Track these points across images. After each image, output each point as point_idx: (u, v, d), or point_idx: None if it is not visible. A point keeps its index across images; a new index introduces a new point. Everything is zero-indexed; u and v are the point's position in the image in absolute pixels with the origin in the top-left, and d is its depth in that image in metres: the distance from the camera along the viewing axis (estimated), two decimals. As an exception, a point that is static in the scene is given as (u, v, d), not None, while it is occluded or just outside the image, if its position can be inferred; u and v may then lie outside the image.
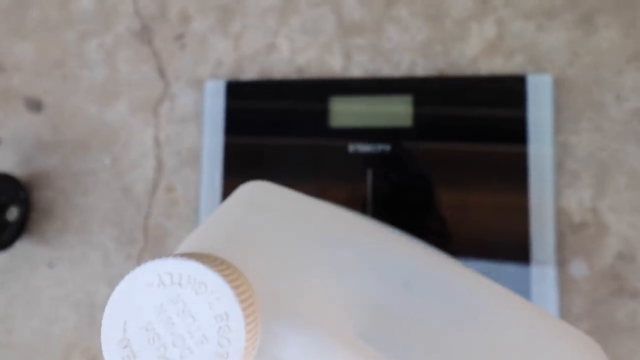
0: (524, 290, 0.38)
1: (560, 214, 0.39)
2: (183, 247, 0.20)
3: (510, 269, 0.38)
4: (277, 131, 0.42)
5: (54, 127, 0.47)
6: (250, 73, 0.44)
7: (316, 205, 0.22)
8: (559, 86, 0.40)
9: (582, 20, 0.41)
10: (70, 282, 0.46)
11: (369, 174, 0.41)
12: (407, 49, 0.43)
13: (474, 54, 0.42)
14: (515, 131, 0.39)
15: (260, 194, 0.22)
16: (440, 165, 0.40)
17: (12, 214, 0.45)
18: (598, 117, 0.40)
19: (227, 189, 0.42)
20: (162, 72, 0.46)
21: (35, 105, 0.47)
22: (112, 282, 0.45)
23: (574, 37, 0.41)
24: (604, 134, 0.40)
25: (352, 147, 0.41)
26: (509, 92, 0.40)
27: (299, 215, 0.21)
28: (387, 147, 0.41)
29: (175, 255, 0.16)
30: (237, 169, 0.42)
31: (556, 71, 0.40)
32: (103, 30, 0.47)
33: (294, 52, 0.44)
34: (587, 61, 0.40)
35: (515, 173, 0.39)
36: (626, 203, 0.39)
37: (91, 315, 0.45)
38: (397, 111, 0.41)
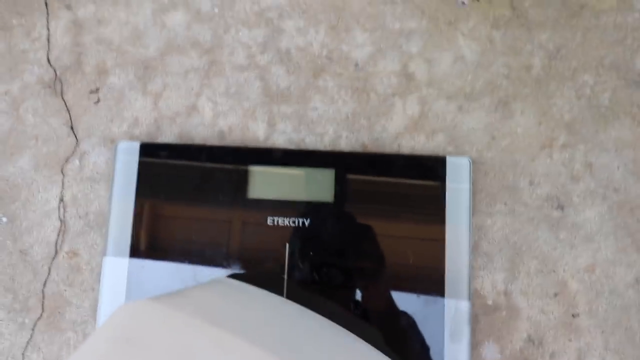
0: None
1: (475, 295, 0.40)
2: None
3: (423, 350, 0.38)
4: (193, 200, 0.40)
5: (-56, 180, 0.42)
6: (168, 135, 0.42)
7: (200, 333, 0.20)
8: (477, 168, 0.41)
9: (500, 105, 0.42)
10: (-49, 353, 0.41)
11: (287, 247, 0.40)
12: (332, 121, 0.42)
13: (397, 130, 0.42)
14: (433, 211, 0.39)
15: (134, 324, 0.19)
16: (359, 241, 0.39)
17: None
18: (512, 201, 0.41)
19: (135, 257, 0.39)
20: (73, 128, 0.43)
21: None
22: (1, 357, 0.40)
23: (492, 121, 0.42)
24: (517, 217, 0.40)
25: (271, 220, 0.40)
26: (430, 171, 0.40)
27: (173, 354, 0.19)
28: (306, 221, 0.40)
29: None
30: (148, 238, 0.40)
31: (475, 153, 0.41)
32: (10, 78, 0.43)
33: (216, 115, 0.42)
34: (504, 145, 0.41)
35: (432, 253, 0.39)
36: (536, 287, 0.40)
37: (-28, 392, 0.40)
38: (319, 185, 0.40)
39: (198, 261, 0.39)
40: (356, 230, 0.39)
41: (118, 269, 0.39)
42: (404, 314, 0.38)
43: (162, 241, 0.40)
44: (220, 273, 0.39)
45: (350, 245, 0.39)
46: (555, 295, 0.39)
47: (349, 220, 0.40)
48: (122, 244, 0.40)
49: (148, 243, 0.40)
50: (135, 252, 0.39)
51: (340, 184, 0.40)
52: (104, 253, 0.40)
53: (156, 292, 0.39)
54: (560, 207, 0.40)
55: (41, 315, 0.41)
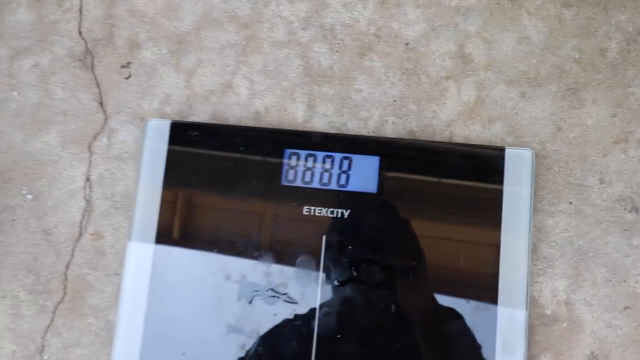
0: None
1: (532, 304, 0.35)
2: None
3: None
4: (225, 184, 0.37)
5: (-29, 153, 0.41)
6: (201, 114, 0.40)
7: None
8: (539, 162, 0.37)
9: (569, 93, 0.37)
10: (-29, 333, 0.39)
11: (324, 240, 0.36)
12: (378, 104, 0.38)
13: (450, 117, 0.38)
14: (488, 208, 0.35)
15: None
16: (399, 236, 0.36)
17: None
18: (578, 200, 0.36)
19: (161, 244, 0.37)
20: (102, 103, 0.40)
21: (-48, 126, 0.41)
22: (20, 339, 0.39)
23: (558, 110, 0.37)
24: (584, 219, 0.36)
25: (307, 209, 0.36)
26: (486, 164, 0.36)
27: None
28: (346, 212, 0.36)
29: None
30: (175, 222, 0.37)
31: (537, 145, 0.37)
32: (40, 49, 0.41)
33: (252, 95, 0.39)
34: (571, 137, 0.37)
35: (485, 255, 0.35)
36: (603, 298, 0.35)
37: (-9, 375, 0.39)
38: (361, 174, 0.36)
39: (227, 250, 0.36)
40: (395, 224, 0.36)
41: (143, 255, 0.37)
42: (451, 317, 0.35)
43: (190, 227, 0.37)
44: (250, 265, 0.36)
45: (392, 241, 0.36)
46: (625, 308, 0.35)
47: (391, 214, 0.36)
48: (148, 229, 0.37)
49: (175, 229, 0.37)
50: (162, 238, 0.37)
51: (384, 173, 0.36)
52: (128, 238, 0.37)
53: (181, 282, 0.36)
54: (635, 210, 0.36)
55: (63, 298, 0.39)
